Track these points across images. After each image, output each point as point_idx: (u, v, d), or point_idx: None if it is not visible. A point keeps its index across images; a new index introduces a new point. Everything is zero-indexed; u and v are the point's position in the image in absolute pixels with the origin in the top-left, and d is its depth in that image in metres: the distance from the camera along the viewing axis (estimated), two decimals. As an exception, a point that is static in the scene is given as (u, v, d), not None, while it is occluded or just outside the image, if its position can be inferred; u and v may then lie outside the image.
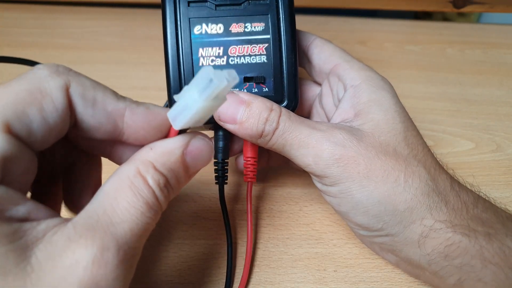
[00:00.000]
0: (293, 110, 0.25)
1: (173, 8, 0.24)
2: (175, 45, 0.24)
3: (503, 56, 0.50)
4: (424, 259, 0.21)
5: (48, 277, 0.13)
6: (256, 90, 0.25)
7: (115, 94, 0.17)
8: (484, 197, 0.24)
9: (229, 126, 0.23)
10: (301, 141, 0.22)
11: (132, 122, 0.17)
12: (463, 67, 0.48)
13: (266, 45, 0.25)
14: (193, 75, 0.24)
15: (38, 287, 0.12)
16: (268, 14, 0.25)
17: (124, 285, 0.14)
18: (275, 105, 0.23)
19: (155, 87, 0.40)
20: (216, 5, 0.25)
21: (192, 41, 0.24)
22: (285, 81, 0.25)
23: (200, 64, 0.24)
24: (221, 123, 0.23)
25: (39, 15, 0.50)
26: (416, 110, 0.41)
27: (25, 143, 0.15)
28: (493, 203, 0.24)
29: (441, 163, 0.24)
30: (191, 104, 0.16)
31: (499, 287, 0.20)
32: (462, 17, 0.79)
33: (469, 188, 0.24)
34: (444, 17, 0.80)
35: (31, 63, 0.38)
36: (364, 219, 0.22)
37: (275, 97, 0.25)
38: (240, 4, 0.25)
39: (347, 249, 0.28)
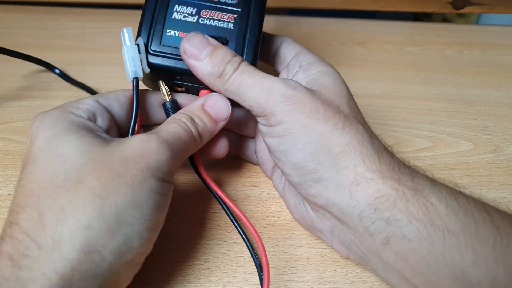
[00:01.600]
0: None
1: None
2: None
3: (501, 57, 0.50)
4: (355, 211, 0.22)
5: (115, 149, 0.21)
6: None
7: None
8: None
9: (192, 62, 0.25)
10: (257, 80, 0.24)
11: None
12: (461, 68, 0.48)
13: (236, 16, 0.27)
14: (163, 24, 0.26)
15: (111, 153, 0.21)
16: None
17: (165, 158, 0.22)
18: (238, 56, 0.25)
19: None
20: None
21: None
22: (246, 49, 0.27)
23: (173, 17, 0.26)
24: (184, 57, 0.25)
25: (40, 17, 0.50)
26: (415, 110, 0.41)
27: (108, 111, 0.25)
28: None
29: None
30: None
31: (421, 244, 0.20)
32: (462, 18, 0.79)
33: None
34: (444, 18, 0.80)
35: (35, 60, 0.38)
36: (300, 157, 0.23)
37: None
38: None
39: (346, 249, 0.28)
